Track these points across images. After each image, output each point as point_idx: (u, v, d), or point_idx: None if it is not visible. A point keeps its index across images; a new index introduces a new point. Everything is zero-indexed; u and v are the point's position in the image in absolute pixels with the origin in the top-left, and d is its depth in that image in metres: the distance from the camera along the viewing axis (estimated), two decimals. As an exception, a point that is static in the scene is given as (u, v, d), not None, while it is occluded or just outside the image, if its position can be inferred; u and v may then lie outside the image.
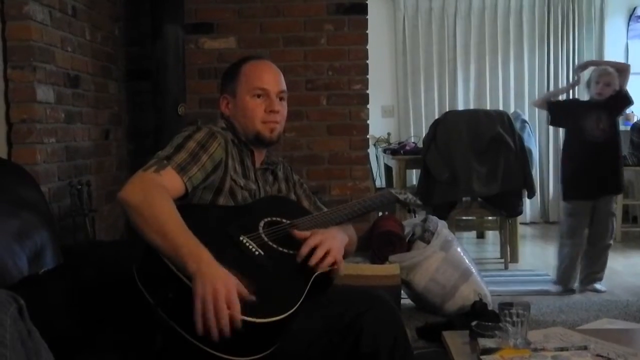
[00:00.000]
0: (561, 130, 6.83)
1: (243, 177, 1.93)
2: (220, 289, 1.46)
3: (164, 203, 1.62)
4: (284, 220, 1.87)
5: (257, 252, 1.71)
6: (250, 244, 1.72)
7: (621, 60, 6.74)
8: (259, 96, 1.96)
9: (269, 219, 1.86)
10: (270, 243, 1.76)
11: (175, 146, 1.80)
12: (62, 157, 2.98)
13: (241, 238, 1.72)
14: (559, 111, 4.27)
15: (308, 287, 1.68)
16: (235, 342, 1.50)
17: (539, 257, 5.28)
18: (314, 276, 1.72)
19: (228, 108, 2.00)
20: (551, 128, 6.85)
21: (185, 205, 1.74)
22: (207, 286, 1.46)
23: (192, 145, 1.81)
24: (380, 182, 6.27)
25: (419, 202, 2.24)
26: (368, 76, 4.24)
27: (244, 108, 1.97)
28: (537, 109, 6.78)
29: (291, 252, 1.76)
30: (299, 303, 1.60)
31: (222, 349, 1.50)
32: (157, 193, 1.64)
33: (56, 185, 2.90)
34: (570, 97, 4.90)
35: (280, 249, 1.76)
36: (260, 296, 1.56)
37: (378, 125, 6.24)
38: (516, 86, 6.85)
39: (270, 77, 1.99)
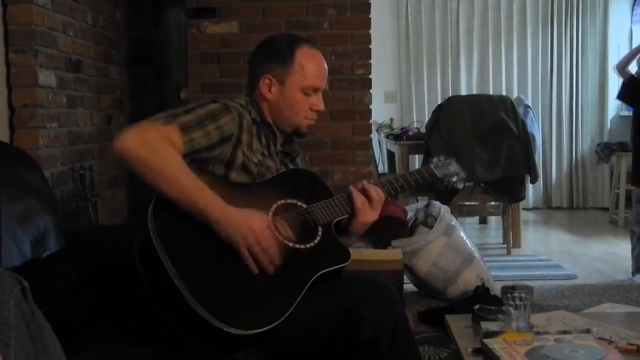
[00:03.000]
0: (564, 116, 6.82)
1: (261, 154, 1.86)
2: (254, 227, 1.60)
3: (175, 157, 1.64)
4: (299, 204, 1.81)
5: None
6: None
7: (624, 45, 6.71)
8: (308, 93, 1.91)
9: (284, 201, 1.80)
10: (277, 234, 1.71)
11: (186, 109, 1.77)
12: (64, 141, 2.98)
13: None
14: (634, 88, 3.99)
15: (305, 289, 1.65)
16: (218, 344, 1.55)
17: (541, 242, 5.29)
18: (317, 275, 1.69)
19: (271, 92, 1.90)
20: (554, 114, 6.81)
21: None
22: (241, 229, 1.59)
23: (202, 112, 1.77)
24: (383, 167, 6.27)
25: (463, 175, 2.04)
26: (371, 61, 4.23)
27: (292, 102, 1.90)
28: (540, 93, 6.77)
29: (297, 246, 1.72)
30: (286, 314, 1.57)
31: (204, 345, 1.55)
32: (167, 146, 1.65)
33: (59, 170, 2.90)
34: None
35: (286, 242, 1.71)
36: (246, 303, 1.57)
37: (381, 110, 6.22)
38: (519, 71, 6.82)
39: (322, 72, 1.93)
